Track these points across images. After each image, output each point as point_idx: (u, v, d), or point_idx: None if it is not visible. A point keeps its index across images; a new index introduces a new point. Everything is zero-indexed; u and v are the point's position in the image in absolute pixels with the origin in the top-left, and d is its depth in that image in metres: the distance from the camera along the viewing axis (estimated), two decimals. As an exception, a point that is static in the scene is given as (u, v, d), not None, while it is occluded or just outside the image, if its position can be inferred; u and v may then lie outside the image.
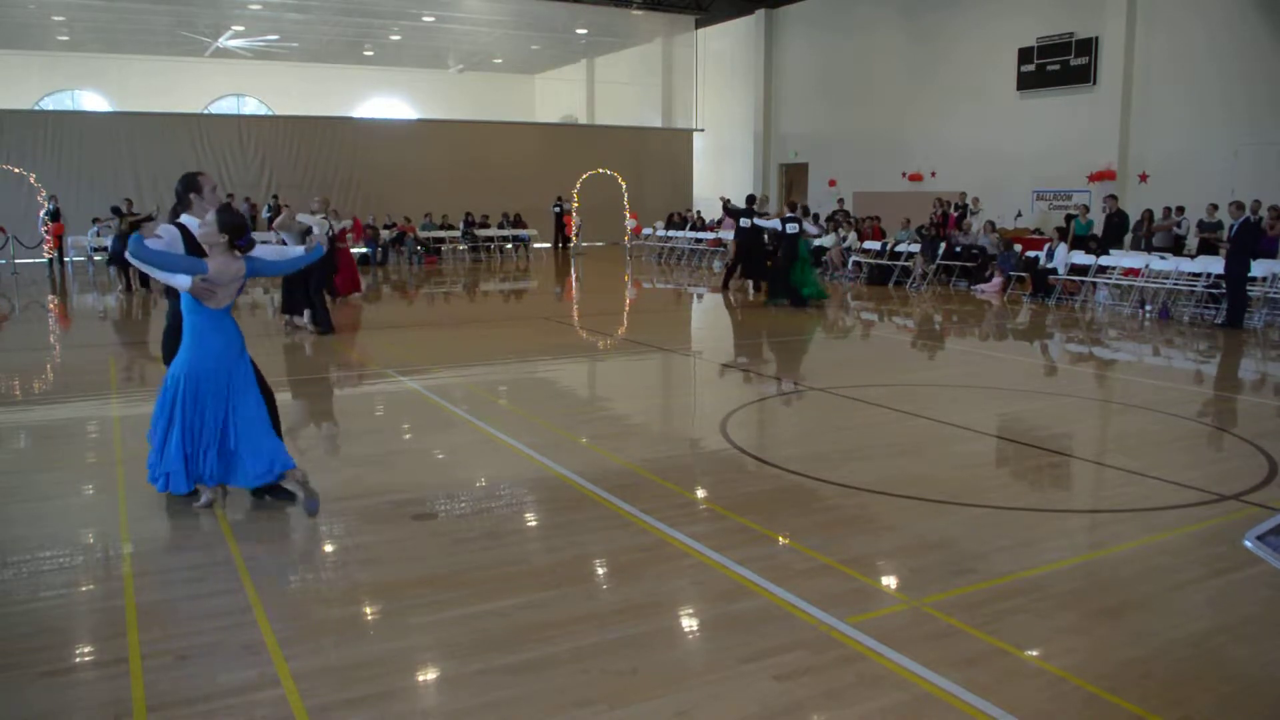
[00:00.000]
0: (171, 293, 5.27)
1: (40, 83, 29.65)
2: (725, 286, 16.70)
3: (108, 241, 21.39)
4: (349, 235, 15.38)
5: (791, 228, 14.97)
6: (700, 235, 23.96)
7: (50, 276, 20.60)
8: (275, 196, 24.36)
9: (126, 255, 4.88)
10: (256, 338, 11.78)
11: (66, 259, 22.37)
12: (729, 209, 17.93)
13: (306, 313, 12.12)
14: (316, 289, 11.91)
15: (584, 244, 28.31)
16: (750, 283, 17.04)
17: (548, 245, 27.66)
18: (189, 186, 5.27)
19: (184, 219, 5.25)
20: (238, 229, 4.94)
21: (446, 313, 15.75)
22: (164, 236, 5.06)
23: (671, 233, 25.21)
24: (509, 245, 25.61)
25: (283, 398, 8.88)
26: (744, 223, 16.36)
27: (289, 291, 12.18)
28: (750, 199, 17.26)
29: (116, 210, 17.48)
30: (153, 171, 24.56)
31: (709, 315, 15.56)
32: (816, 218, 22.61)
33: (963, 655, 3.57)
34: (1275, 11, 16.40)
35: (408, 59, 32.73)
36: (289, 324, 12.30)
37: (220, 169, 25.45)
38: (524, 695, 3.31)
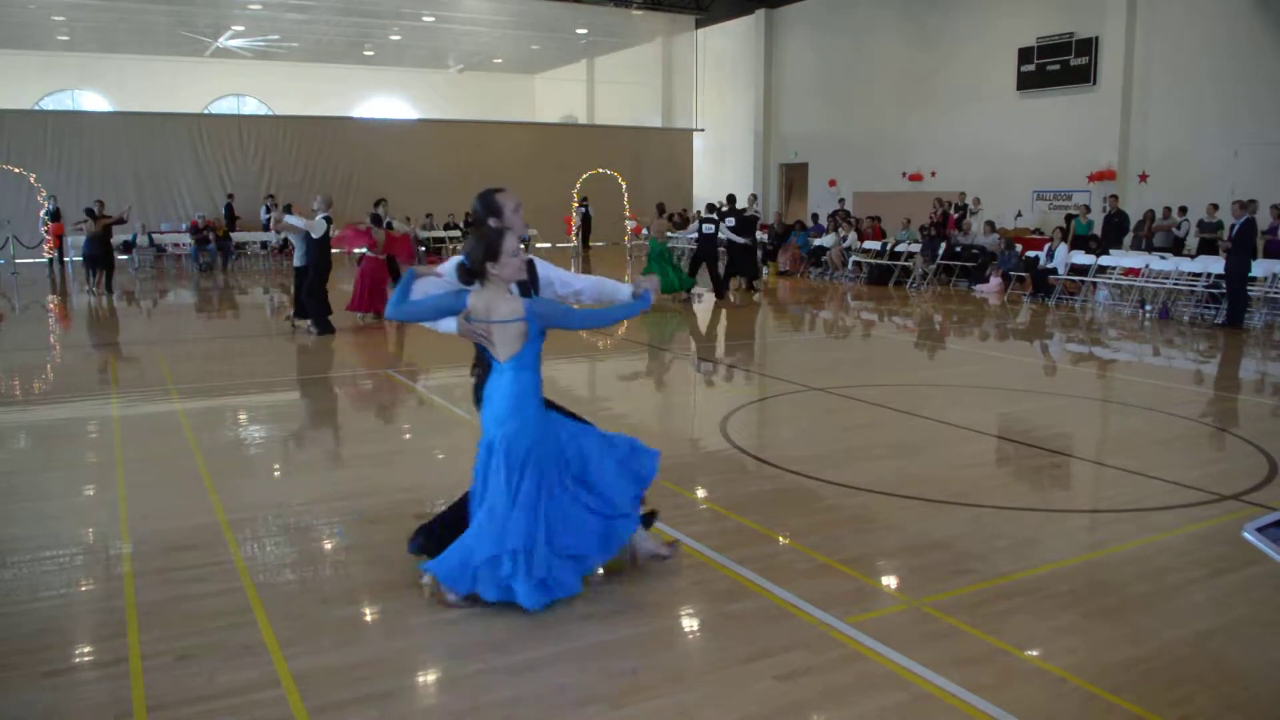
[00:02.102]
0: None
1: (40, 83, 29.63)
2: (719, 294, 16.40)
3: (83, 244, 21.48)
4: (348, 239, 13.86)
5: (707, 228, 15.94)
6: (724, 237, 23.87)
7: (50, 276, 20.60)
8: (271, 196, 24.37)
9: (388, 315, 4.00)
10: (256, 337, 11.80)
11: (66, 259, 22.36)
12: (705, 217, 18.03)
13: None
14: (310, 291, 11.86)
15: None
16: (744, 280, 17.23)
17: (556, 246, 27.66)
18: (489, 208, 4.21)
19: None
20: (476, 251, 3.91)
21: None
22: (442, 273, 4.12)
23: (670, 234, 25.14)
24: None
25: (283, 397, 8.90)
26: (707, 228, 16.23)
27: (299, 293, 12.13)
28: (731, 198, 17.34)
29: (89, 211, 17.47)
30: (153, 171, 24.58)
31: (709, 315, 15.55)
32: (816, 217, 22.68)
33: (963, 655, 3.57)
34: (1275, 11, 16.39)
35: (408, 59, 32.71)
36: (292, 324, 12.28)
37: (220, 169, 25.47)
38: (524, 695, 3.31)
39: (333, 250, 12.55)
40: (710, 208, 16.70)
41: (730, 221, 16.61)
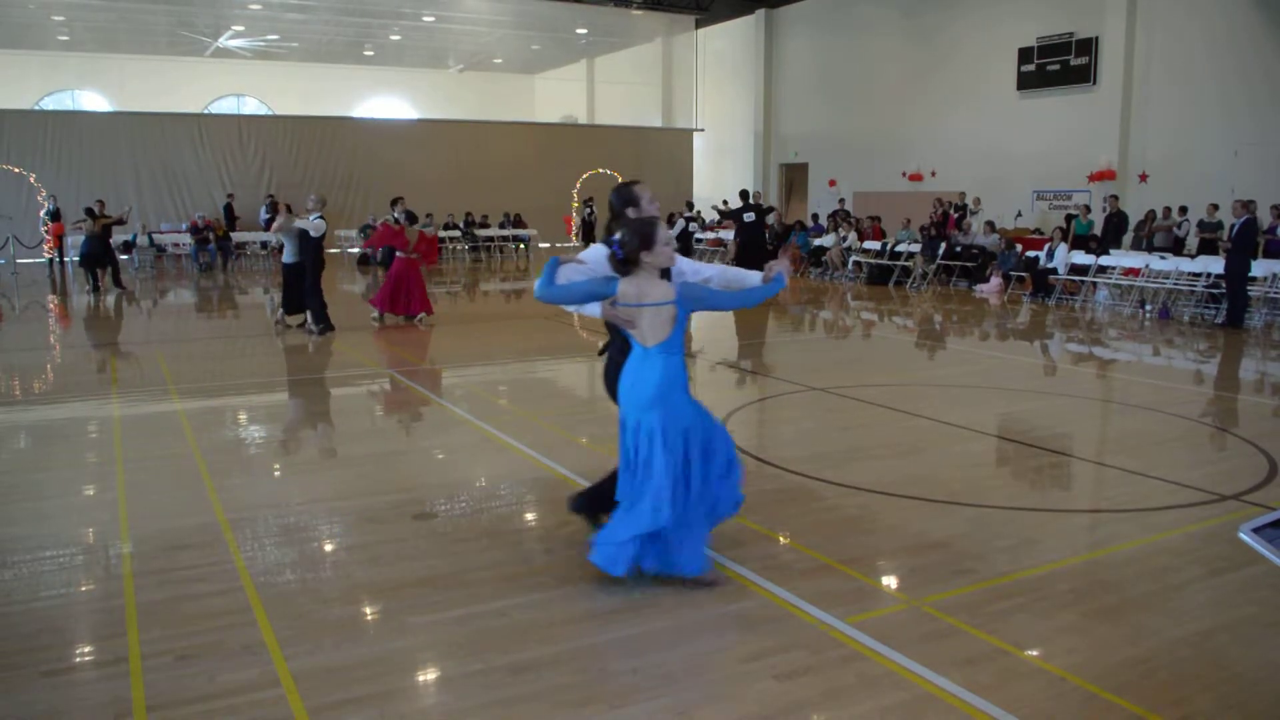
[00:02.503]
0: (610, 324, 4.34)
1: (40, 83, 29.63)
2: None
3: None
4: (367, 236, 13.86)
5: (748, 216, 16.87)
6: (700, 235, 23.97)
7: (50, 276, 20.60)
8: (271, 196, 24.38)
9: (536, 297, 4.14)
10: (256, 337, 11.80)
11: (66, 259, 22.37)
12: (725, 213, 18.58)
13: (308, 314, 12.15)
14: (311, 290, 11.89)
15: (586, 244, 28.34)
16: None
17: (556, 245, 27.67)
18: (625, 200, 4.44)
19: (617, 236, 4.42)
20: (631, 240, 4.03)
21: (447, 313, 15.75)
22: (586, 260, 4.31)
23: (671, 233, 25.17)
24: (520, 245, 25.63)
25: (283, 397, 8.90)
26: (747, 217, 17.21)
27: (288, 291, 12.16)
28: (745, 194, 17.81)
29: (89, 211, 17.49)
30: (153, 171, 24.58)
31: (709, 315, 15.55)
32: (816, 217, 22.70)
33: (963, 655, 3.57)
34: (1275, 11, 16.40)
35: (408, 59, 32.71)
36: (280, 323, 12.25)
37: (220, 169, 25.47)
38: (524, 695, 3.31)
39: (364, 250, 12.51)
40: (744, 194, 17.71)
41: (750, 216, 17.57)
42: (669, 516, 3.97)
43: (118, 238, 21.64)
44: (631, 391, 4.10)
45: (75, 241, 22.30)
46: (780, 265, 4.34)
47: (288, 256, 11.99)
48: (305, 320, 12.08)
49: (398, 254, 12.68)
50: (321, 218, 11.77)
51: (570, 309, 4.27)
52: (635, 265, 4.03)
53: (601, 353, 4.62)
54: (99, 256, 17.07)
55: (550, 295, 4.10)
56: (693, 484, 4.07)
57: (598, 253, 4.29)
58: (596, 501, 4.65)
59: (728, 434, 4.30)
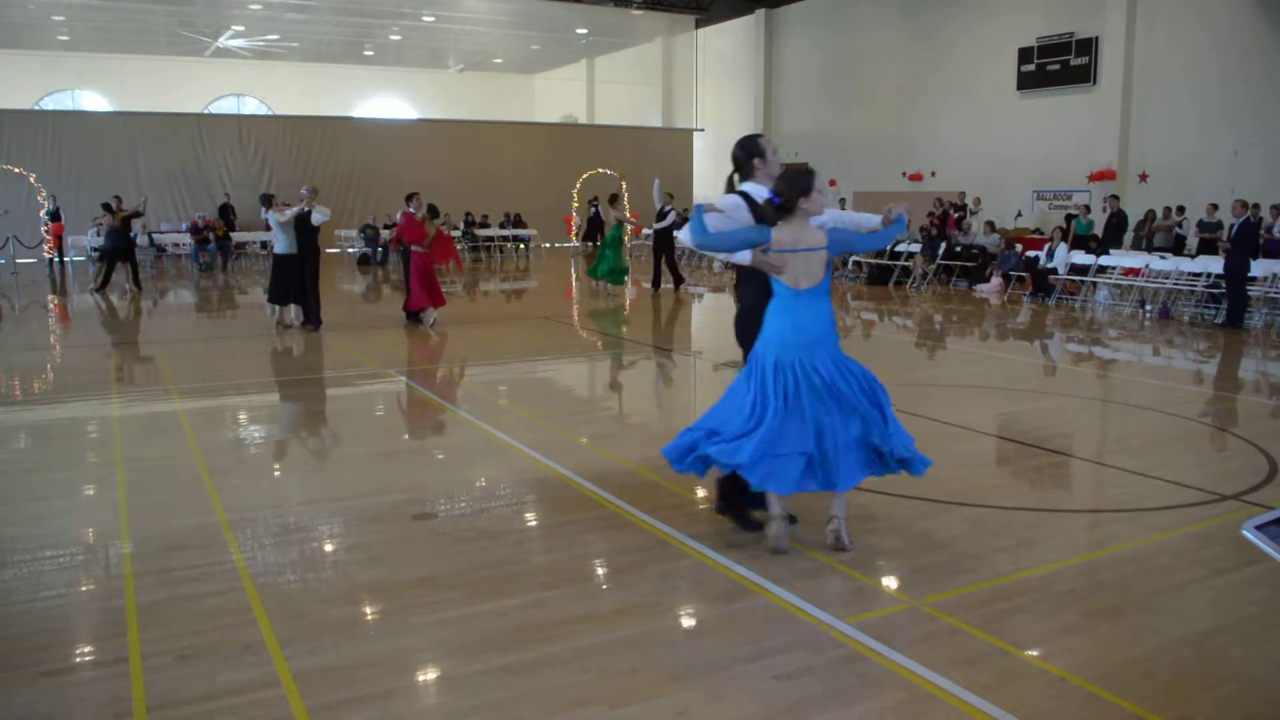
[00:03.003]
0: (743, 274, 4.57)
1: (40, 83, 29.63)
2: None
3: (102, 239, 21.49)
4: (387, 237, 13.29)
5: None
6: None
7: (50, 276, 20.60)
8: (271, 195, 24.34)
9: (692, 244, 4.35)
10: (256, 337, 11.79)
11: (66, 259, 22.39)
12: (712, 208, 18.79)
13: (294, 307, 12.09)
14: (312, 283, 11.84)
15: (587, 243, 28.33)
16: None
17: (556, 245, 27.68)
18: (751, 151, 4.66)
19: (745, 186, 4.64)
20: (790, 188, 4.25)
21: (446, 313, 15.74)
22: (724, 208, 4.49)
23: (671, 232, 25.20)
24: (520, 245, 25.63)
25: (283, 397, 8.90)
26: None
27: (277, 280, 12.03)
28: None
29: (107, 206, 17.53)
30: (153, 171, 24.58)
31: (709, 315, 15.56)
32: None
33: (963, 655, 3.57)
34: (1275, 11, 16.40)
35: (408, 59, 32.71)
36: (280, 323, 12.16)
37: (220, 169, 25.47)
38: (524, 695, 3.31)
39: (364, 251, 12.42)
40: (670, 196, 18.03)
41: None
42: (769, 462, 4.15)
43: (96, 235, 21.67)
44: (780, 333, 4.27)
45: (75, 241, 22.43)
46: (900, 207, 4.52)
47: (283, 248, 11.89)
48: (302, 319, 12.06)
49: (413, 249, 12.37)
50: (312, 208, 11.72)
51: (720, 256, 4.49)
52: (790, 213, 4.24)
53: (737, 299, 4.77)
54: (121, 250, 17.16)
55: (707, 242, 4.30)
56: (831, 415, 4.24)
57: (734, 202, 4.51)
58: (739, 498, 4.80)
59: (875, 380, 4.47)
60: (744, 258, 4.36)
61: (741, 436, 4.25)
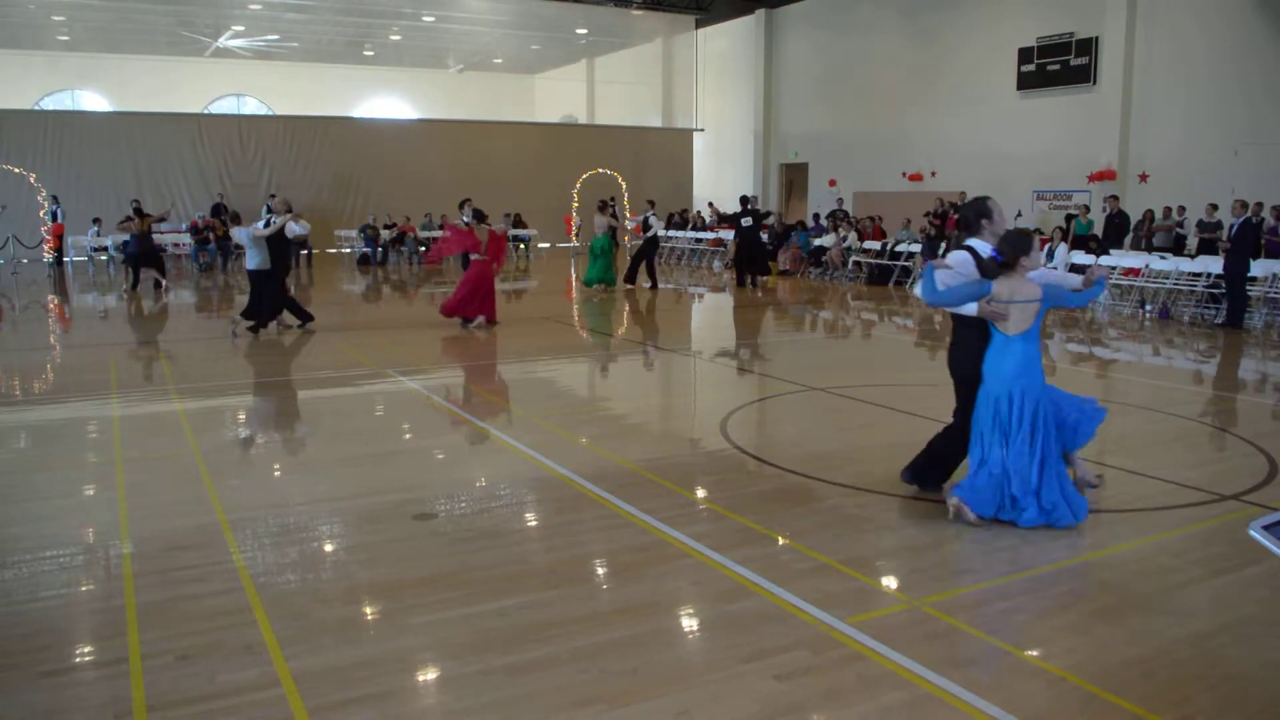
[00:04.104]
0: (960, 316, 5.10)
1: (40, 83, 29.61)
2: (740, 282, 18.29)
3: (105, 241, 21.54)
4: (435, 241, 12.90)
5: (746, 222, 17.79)
6: (700, 235, 24.00)
7: (49, 276, 20.60)
8: (273, 196, 24.34)
9: (924, 300, 5.10)
10: (250, 337, 11.78)
11: (66, 259, 22.39)
12: (724, 217, 19.31)
13: (265, 320, 11.84)
14: (281, 291, 11.72)
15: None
16: (749, 277, 18.29)
17: (556, 245, 27.68)
18: (980, 213, 5.23)
19: (972, 242, 5.19)
20: (1012, 249, 4.83)
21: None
22: (952, 264, 5.11)
23: (672, 233, 25.23)
24: (520, 245, 25.64)
25: (283, 397, 8.90)
26: (744, 222, 17.77)
27: (261, 299, 11.77)
28: (744, 200, 18.36)
29: (138, 211, 17.67)
30: (153, 171, 24.56)
31: (709, 315, 15.57)
32: (816, 217, 22.73)
33: (963, 655, 3.57)
34: (1275, 12, 16.40)
35: (408, 59, 32.70)
36: (235, 326, 11.87)
37: (220, 169, 25.46)
38: (524, 695, 3.31)
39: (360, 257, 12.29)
40: (744, 200, 18.50)
41: (747, 220, 18.21)
42: (1018, 485, 4.77)
43: (118, 237, 21.68)
44: (995, 371, 4.91)
45: (75, 242, 22.42)
46: (1101, 270, 5.15)
47: (257, 263, 11.57)
48: (249, 323, 11.78)
49: (473, 257, 12.36)
50: (297, 219, 11.62)
51: (950, 309, 5.04)
52: (1012, 269, 4.82)
53: (952, 343, 5.32)
54: (148, 254, 17.22)
55: (937, 299, 5.00)
56: (1040, 447, 4.80)
57: (962, 258, 5.11)
58: (937, 470, 5.42)
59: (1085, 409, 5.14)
60: (970, 309, 4.92)
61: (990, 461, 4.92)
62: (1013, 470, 4.82)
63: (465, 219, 12.71)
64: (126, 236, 17.84)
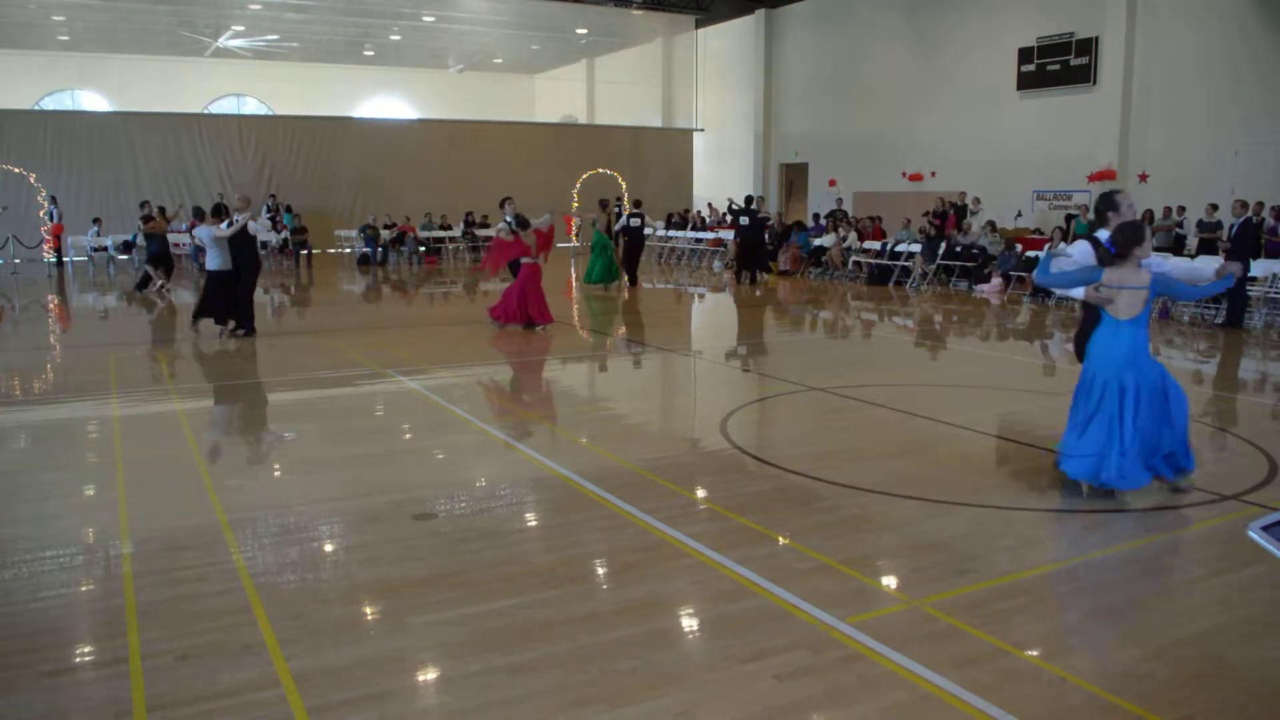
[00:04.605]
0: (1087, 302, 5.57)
1: (40, 83, 29.61)
2: (739, 279, 19.00)
3: (105, 241, 21.53)
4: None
5: (634, 221, 18.15)
6: (700, 235, 24.00)
7: (48, 276, 20.60)
8: (273, 195, 24.38)
9: (1036, 281, 5.55)
10: (250, 337, 11.78)
11: (65, 259, 22.39)
12: (736, 212, 19.83)
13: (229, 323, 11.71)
14: (249, 292, 11.60)
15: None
16: (750, 274, 18.74)
17: (555, 246, 27.65)
18: (1110, 206, 5.75)
19: (1099, 234, 5.68)
20: (1126, 239, 5.19)
21: (447, 313, 15.75)
22: (1072, 254, 5.57)
23: (671, 233, 25.24)
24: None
25: (283, 397, 8.90)
26: (743, 220, 18.07)
27: (210, 296, 11.65)
28: (749, 199, 18.55)
29: (161, 210, 17.91)
30: (153, 171, 24.56)
31: (710, 315, 15.57)
32: (816, 217, 22.73)
33: (963, 655, 3.57)
34: (1274, 12, 16.39)
35: (408, 59, 32.69)
36: (194, 327, 11.72)
37: (220, 169, 25.45)
38: (524, 695, 3.31)
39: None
40: (637, 203, 19.47)
41: (745, 220, 18.72)
42: (1118, 463, 5.11)
43: (117, 237, 21.69)
44: (1104, 354, 5.26)
45: (75, 242, 22.40)
46: (1232, 267, 5.40)
47: (216, 264, 11.49)
48: (232, 325, 11.66)
49: (524, 260, 12.26)
50: (252, 217, 11.45)
51: (1058, 291, 5.57)
52: (1125, 259, 5.15)
53: (1079, 328, 5.86)
54: (164, 256, 17.32)
55: (1049, 281, 5.44)
56: (1144, 423, 5.15)
57: (1085, 249, 5.57)
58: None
59: (1184, 395, 5.39)
60: (1078, 293, 5.28)
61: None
62: (1128, 444, 5.16)
63: (507, 219, 12.49)
64: (129, 237, 17.87)
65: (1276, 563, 4.42)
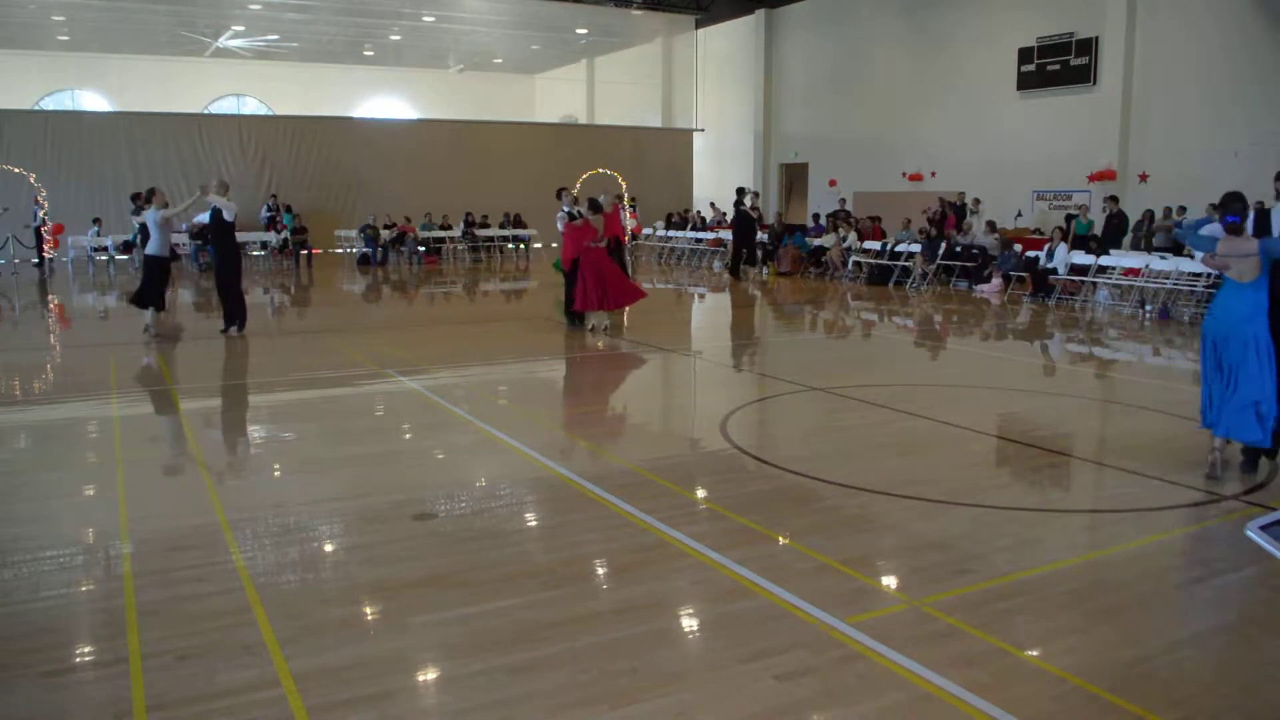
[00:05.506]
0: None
1: (40, 83, 29.61)
2: (735, 275, 19.09)
3: (105, 241, 21.52)
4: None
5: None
6: (700, 235, 24.01)
7: (47, 276, 20.59)
8: (274, 195, 24.38)
9: (1182, 239, 6.42)
10: (253, 337, 11.78)
11: (65, 259, 22.37)
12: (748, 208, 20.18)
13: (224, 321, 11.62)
14: (235, 286, 11.45)
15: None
16: (739, 266, 19.21)
17: (553, 245, 27.65)
18: (1234, 198, 6.21)
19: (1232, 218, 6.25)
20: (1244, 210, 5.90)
21: (447, 313, 15.75)
22: (1209, 233, 6.17)
23: (671, 233, 25.23)
24: (520, 245, 25.65)
25: (283, 397, 8.90)
26: (728, 215, 18.71)
27: (154, 285, 11.38)
28: (740, 190, 19.40)
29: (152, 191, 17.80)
30: (153, 171, 24.55)
31: (710, 315, 15.57)
32: (816, 217, 22.72)
33: (963, 655, 3.57)
34: (1275, 12, 16.39)
35: (408, 59, 32.69)
36: (151, 324, 11.53)
37: (220, 169, 25.42)
38: (524, 695, 3.31)
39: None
40: (739, 192, 19.48)
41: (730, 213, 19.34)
42: (1273, 406, 5.61)
43: (117, 237, 21.67)
44: (1227, 310, 5.83)
45: (75, 242, 22.38)
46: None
47: (155, 248, 11.30)
48: (233, 324, 11.61)
49: (588, 244, 11.74)
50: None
51: (1194, 249, 6.24)
52: (1239, 232, 5.82)
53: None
54: (173, 255, 17.34)
55: (1191, 240, 6.21)
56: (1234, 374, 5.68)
57: (1215, 228, 6.13)
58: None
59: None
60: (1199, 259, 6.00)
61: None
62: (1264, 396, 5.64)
63: (565, 208, 12.18)
64: (129, 237, 17.78)
65: (1276, 563, 4.43)
